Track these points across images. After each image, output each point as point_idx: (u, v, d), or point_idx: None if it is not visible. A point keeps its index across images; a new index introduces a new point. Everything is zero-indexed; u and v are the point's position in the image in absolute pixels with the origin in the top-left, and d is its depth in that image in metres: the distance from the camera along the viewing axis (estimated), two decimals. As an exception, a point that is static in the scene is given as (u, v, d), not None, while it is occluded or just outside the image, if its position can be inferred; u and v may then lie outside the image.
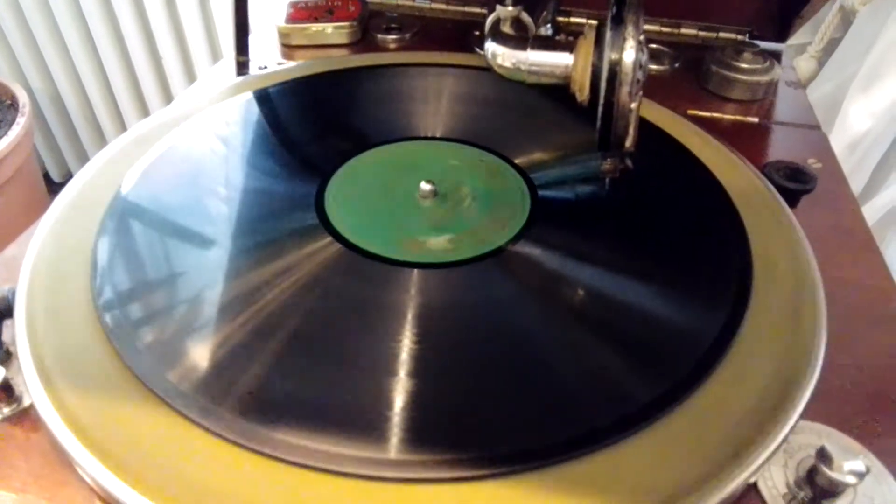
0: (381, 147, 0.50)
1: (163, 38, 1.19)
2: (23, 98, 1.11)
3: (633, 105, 0.35)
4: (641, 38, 0.34)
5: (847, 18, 0.76)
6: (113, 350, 0.33)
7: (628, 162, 0.40)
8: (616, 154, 0.40)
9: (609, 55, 0.34)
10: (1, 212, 1.04)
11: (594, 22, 0.38)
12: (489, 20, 0.42)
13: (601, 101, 0.36)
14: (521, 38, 0.40)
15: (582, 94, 0.38)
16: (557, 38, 0.39)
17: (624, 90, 0.34)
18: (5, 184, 1.04)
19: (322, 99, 0.55)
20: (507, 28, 0.41)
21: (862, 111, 0.76)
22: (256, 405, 0.31)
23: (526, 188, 0.46)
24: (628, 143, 0.37)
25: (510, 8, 0.40)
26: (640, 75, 0.35)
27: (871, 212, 0.82)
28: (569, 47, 0.39)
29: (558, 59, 0.39)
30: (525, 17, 0.41)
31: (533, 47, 0.40)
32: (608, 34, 0.35)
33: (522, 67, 0.40)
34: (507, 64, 0.41)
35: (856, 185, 0.81)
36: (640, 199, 0.46)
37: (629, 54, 0.34)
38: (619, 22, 0.34)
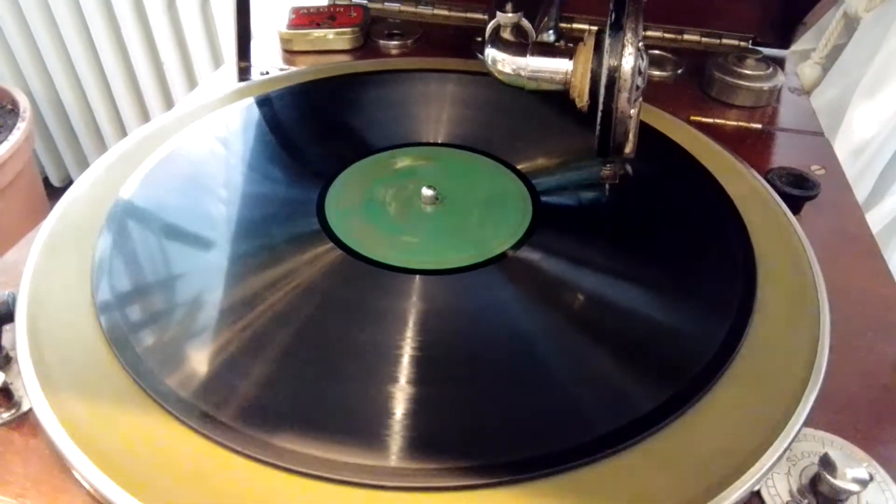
0: (383, 153, 0.50)
1: (164, 43, 1.19)
2: (23, 103, 1.11)
3: (633, 111, 0.35)
4: (641, 44, 0.34)
5: (851, 25, 0.75)
6: (113, 356, 0.33)
7: (628, 168, 0.40)
8: (616, 160, 0.40)
9: (608, 62, 0.34)
10: (1, 216, 1.04)
11: (595, 28, 0.38)
12: (489, 26, 0.42)
13: (600, 107, 0.36)
14: (520, 45, 0.40)
15: (581, 100, 0.38)
16: (557, 44, 0.39)
17: (623, 96, 0.34)
18: (5, 188, 1.04)
19: (324, 104, 0.55)
20: (507, 34, 0.41)
21: (866, 117, 0.76)
22: (256, 412, 0.31)
23: (528, 194, 0.46)
24: (628, 149, 0.37)
25: (510, 14, 0.40)
26: (639, 82, 0.35)
27: (877, 218, 0.81)
28: (568, 54, 0.39)
29: (558, 66, 0.39)
30: (525, 23, 0.41)
31: (532, 53, 0.40)
32: (607, 41, 0.35)
33: (522, 73, 0.40)
34: (507, 70, 0.41)
35: (861, 191, 0.81)
36: (643, 205, 0.46)
37: (628, 61, 0.34)
38: (618, 29, 0.34)
